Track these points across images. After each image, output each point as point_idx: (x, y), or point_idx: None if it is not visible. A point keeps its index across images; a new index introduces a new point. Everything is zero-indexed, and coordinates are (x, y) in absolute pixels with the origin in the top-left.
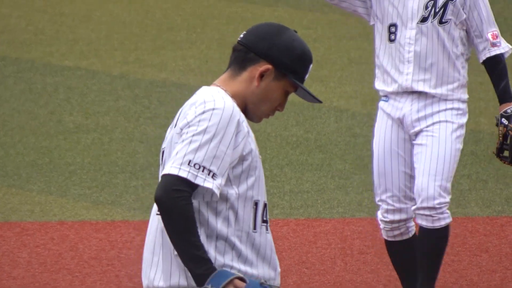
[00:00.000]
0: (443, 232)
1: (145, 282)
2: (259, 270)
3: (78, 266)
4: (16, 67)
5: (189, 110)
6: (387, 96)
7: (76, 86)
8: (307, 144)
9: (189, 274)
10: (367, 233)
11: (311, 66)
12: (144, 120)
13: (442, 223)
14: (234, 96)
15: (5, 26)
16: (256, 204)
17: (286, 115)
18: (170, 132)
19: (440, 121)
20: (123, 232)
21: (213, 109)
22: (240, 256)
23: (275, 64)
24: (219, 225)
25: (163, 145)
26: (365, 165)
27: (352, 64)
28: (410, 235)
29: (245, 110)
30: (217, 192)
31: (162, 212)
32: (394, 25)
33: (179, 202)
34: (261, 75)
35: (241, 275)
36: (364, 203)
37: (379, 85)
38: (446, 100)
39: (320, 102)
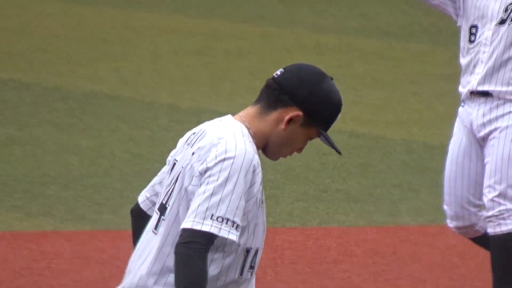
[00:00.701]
0: (504, 238)
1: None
2: None
3: (9, 276)
4: None
5: (209, 152)
6: (463, 101)
7: (10, 98)
8: None
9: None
10: (297, 242)
11: (339, 114)
12: (78, 132)
13: (503, 228)
14: (256, 134)
15: None
16: (247, 251)
17: None
18: (187, 153)
19: (507, 126)
20: (55, 242)
21: (234, 157)
22: None
23: (307, 113)
24: (211, 271)
25: (176, 157)
26: (296, 175)
27: None
28: (483, 232)
29: (265, 148)
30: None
31: (177, 262)
32: (475, 26)
33: (195, 256)
34: (290, 120)
35: None
36: (294, 213)
37: (460, 88)
38: (511, 103)
39: (340, 153)
